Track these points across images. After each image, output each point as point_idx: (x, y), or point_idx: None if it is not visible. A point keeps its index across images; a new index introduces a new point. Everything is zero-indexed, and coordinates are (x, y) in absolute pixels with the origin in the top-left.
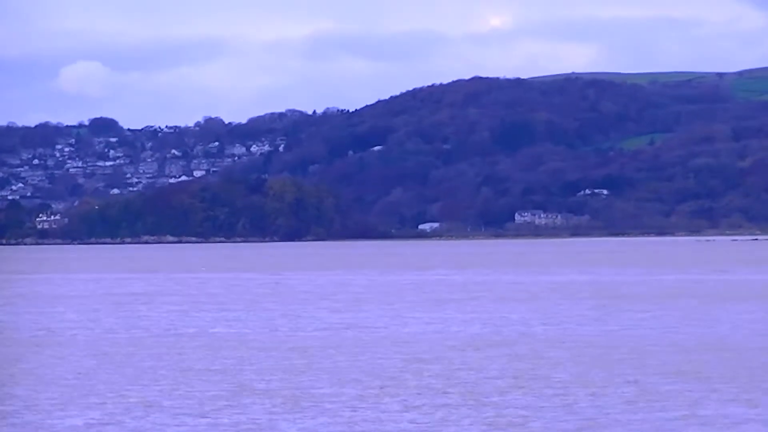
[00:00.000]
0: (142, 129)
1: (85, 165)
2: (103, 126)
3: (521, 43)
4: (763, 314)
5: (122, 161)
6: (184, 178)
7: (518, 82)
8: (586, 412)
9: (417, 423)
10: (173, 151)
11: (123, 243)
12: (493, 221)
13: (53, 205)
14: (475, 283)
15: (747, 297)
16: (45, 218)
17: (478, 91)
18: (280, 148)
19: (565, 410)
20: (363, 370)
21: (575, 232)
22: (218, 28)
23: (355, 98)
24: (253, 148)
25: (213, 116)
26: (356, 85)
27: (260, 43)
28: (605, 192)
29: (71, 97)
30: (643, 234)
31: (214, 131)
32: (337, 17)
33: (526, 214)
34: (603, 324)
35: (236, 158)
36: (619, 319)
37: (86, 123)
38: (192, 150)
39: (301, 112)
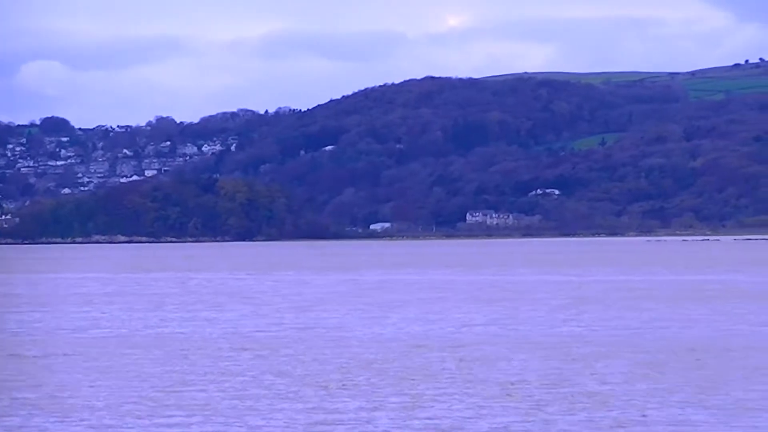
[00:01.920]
0: (94, 128)
1: (36, 164)
2: (55, 125)
3: (480, 43)
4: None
5: (73, 161)
6: (135, 177)
7: (471, 82)
8: (525, 412)
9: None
10: (125, 150)
11: (74, 243)
12: (445, 221)
13: (4, 205)
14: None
15: (712, 297)
16: None
17: (431, 91)
18: (232, 148)
19: (510, 411)
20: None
21: (527, 232)
22: (176, 28)
23: (311, 98)
24: (205, 148)
25: (165, 116)
26: (313, 85)
27: (218, 43)
28: (557, 192)
29: (27, 96)
30: (594, 234)
31: (165, 131)
32: (295, 17)
33: (477, 214)
34: (566, 325)
35: (188, 158)
36: (582, 320)
37: (38, 122)
38: (143, 150)
39: (253, 112)
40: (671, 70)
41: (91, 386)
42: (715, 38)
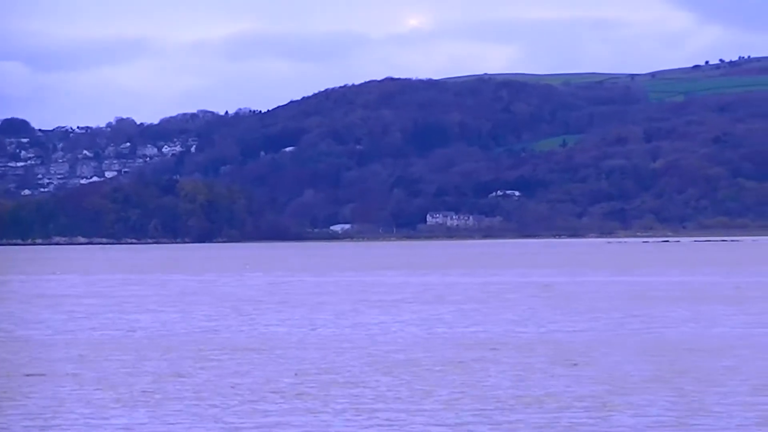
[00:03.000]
0: (54, 129)
1: None
2: (15, 127)
3: (442, 43)
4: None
5: (34, 162)
6: (95, 179)
7: (431, 83)
8: (466, 411)
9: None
10: (85, 152)
11: (34, 245)
12: (406, 223)
13: None
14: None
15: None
16: None
17: (392, 92)
18: (192, 149)
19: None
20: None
21: (487, 233)
22: (140, 29)
23: (273, 99)
24: (165, 149)
25: (125, 117)
26: (276, 86)
27: (181, 44)
28: (517, 193)
29: None
30: (554, 236)
31: (125, 132)
32: (259, 18)
33: (437, 215)
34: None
35: (148, 159)
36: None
37: None
38: (104, 151)
39: (213, 113)
40: (634, 72)
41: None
42: (678, 39)
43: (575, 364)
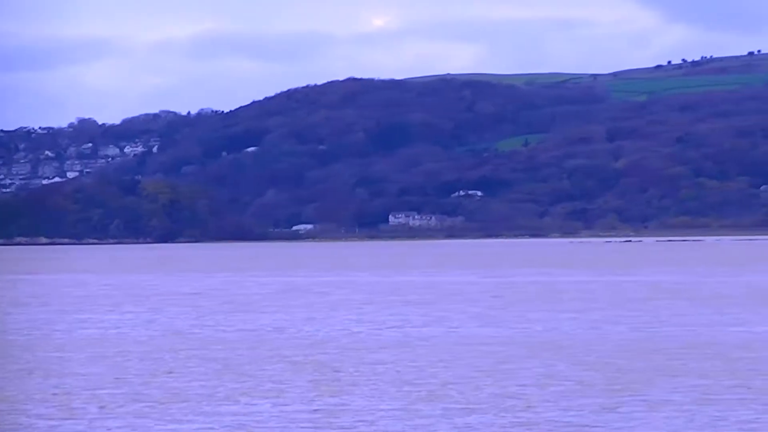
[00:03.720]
0: (16, 130)
1: None
2: None
3: (408, 43)
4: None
5: None
6: (57, 179)
7: (394, 83)
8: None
9: None
10: (47, 152)
11: None
12: (368, 223)
13: None
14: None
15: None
16: None
17: (355, 92)
18: (154, 149)
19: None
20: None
21: (450, 233)
22: (106, 29)
23: (237, 99)
24: (127, 149)
25: (87, 117)
26: (240, 86)
27: (146, 43)
28: (479, 193)
29: None
30: (517, 235)
31: (88, 132)
32: (224, 17)
33: (400, 215)
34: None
35: (110, 159)
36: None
37: None
38: (65, 151)
39: (175, 113)
40: (600, 71)
41: None
42: (644, 39)
43: None
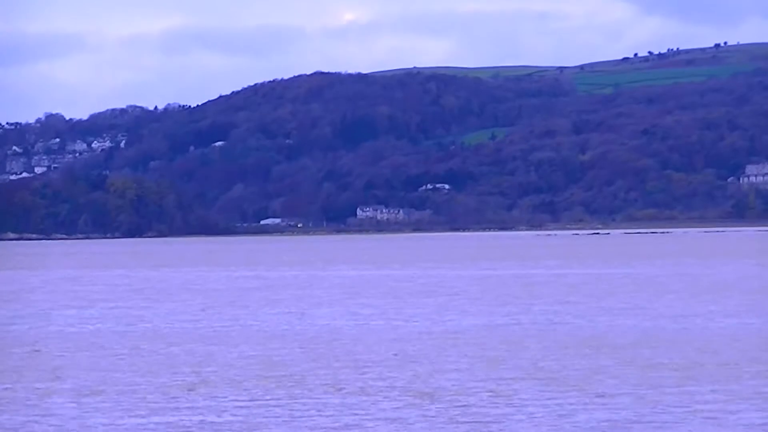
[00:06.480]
0: None
1: None
2: None
3: (379, 37)
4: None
5: None
6: (25, 174)
7: (360, 77)
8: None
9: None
10: (14, 147)
11: None
12: (336, 217)
13: None
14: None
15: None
16: None
17: (321, 86)
18: (122, 145)
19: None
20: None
21: (417, 227)
22: (77, 24)
23: (205, 93)
24: (95, 145)
25: (54, 112)
26: (208, 81)
27: (117, 39)
28: (447, 187)
29: None
30: (484, 229)
31: (55, 127)
32: (193, 12)
33: (367, 209)
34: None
35: (77, 155)
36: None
37: None
38: (33, 147)
39: (142, 108)
40: (571, 64)
41: None
42: (617, 31)
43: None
